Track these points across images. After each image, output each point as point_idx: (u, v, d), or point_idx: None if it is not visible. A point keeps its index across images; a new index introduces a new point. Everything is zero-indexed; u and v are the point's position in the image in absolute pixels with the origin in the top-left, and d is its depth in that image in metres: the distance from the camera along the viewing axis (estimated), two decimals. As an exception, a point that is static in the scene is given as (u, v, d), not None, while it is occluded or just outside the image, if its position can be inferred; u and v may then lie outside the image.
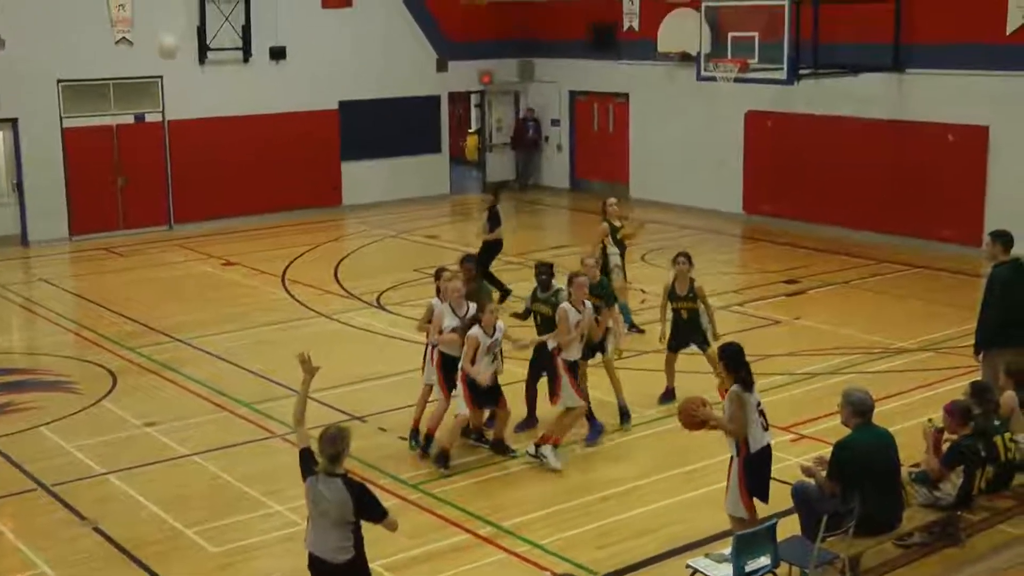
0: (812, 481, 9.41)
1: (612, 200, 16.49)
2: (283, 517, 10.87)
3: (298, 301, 18.93)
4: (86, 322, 17.92)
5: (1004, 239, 12.03)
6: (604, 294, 13.17)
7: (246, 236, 24.02)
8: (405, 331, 16.93)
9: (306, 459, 7.89)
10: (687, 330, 13.69)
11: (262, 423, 13.40)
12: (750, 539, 8.68)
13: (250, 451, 12.61)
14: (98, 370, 15.42)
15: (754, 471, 9.48)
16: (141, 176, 24.48)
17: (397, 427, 13.08)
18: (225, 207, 25.11)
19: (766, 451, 9.54)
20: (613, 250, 16.12)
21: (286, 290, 19.67)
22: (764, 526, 8.87)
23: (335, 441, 7.68)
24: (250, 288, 19.92)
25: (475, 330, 11.61)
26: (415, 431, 12.52)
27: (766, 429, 9.57)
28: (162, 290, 20.01)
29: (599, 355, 13.10)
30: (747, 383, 9.47)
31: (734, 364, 9.53)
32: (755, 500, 9.55)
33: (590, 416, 12.65)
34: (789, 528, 9.42)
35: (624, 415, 13.19)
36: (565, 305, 11.90)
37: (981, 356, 12.09)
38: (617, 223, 16.23)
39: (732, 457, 9.52)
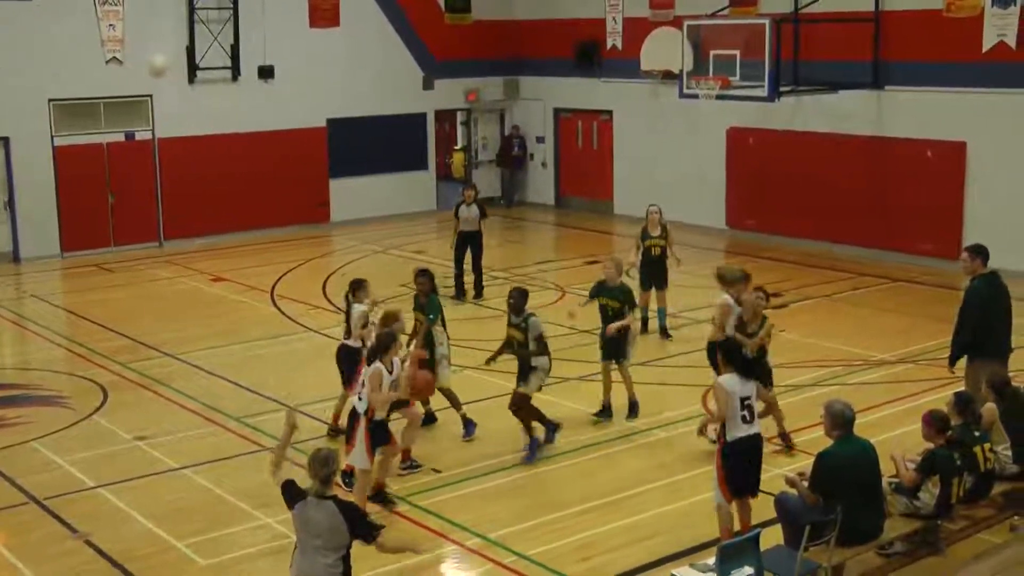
0: (795, 492, 9.59)
1: (654, 208, 17.16)
2: (273, 530, 11.00)
3: (287, 316, 19.09)
4: (77, 338, 18.06)
5: (982, 253, 12.25)
6: (625, 299, 13.55)
7: (235, 252, 24.17)
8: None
9: (289, 489, 7.79)
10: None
11: (252, 437, 13.54)
12: (734, 549, 8.81)
13: (240, 464, 12.74)
14: (89, 385, 15.56)
15: (728, 460, 9.93)
16: (131, 193, 24.65)
17: (385, 440, 13.23)
18: (215, 224, 25.27)
19: (742, 443, 9.92)
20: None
21: (275, 305, 19.82)
22: (747, 536, 9.00)
23: (328, 462, 7.67)
24: (239, 303, 20.08)
25: (377, 366, 10.99)
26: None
27: (748, 422, 9.93)
28: (152, 306, 20.15)
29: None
30: (743, 374, 10.00)
31: (728, 357, 10.13)
32: (741, 493, 10.05)
33: (546, 423, 12.82)
34: (772, 538, 9.55)
35: (632, 408, 13.80)
36: (376, 365, 11.01)
37: (966, 368, 12.26)
38: (652, 231, 16.98)
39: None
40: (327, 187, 27.15)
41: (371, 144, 27.43)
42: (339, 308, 19.29)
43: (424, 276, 13.68)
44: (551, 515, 11.26)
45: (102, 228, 24.43)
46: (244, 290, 20.98)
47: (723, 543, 8.92)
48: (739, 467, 9.98)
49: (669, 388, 15.01)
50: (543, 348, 12.69)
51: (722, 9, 23.55)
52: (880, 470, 9.53)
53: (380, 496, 11.43)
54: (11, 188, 23.54)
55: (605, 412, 13.84)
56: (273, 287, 21.03)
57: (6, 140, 23.39)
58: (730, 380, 9.97)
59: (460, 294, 19.61)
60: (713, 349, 11.42)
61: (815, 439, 12.03)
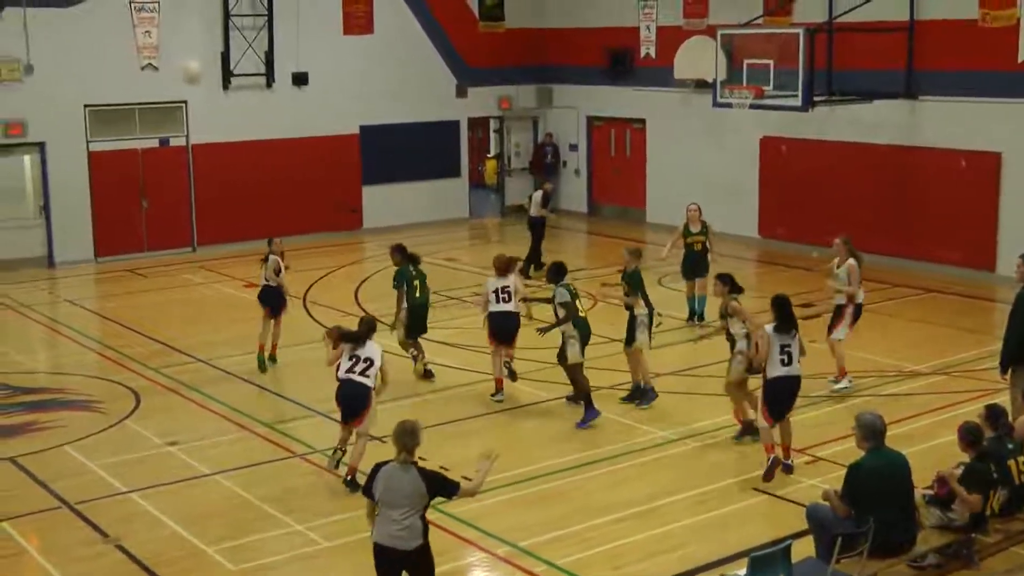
0: (827, 504, 9.54)
1: (693, 206, 18.70)
2: (302, 536, 11.04)
3: (319, 323, 19.11)
4: (110, 342, 18.17)
5: None
6: (633, 282, 14.81)
7: (267, 259, 24.25)
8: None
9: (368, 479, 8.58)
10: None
11: (282, 443, 13.58)
12: (765, 560, 8.77)
13: (270, 471, 12.79)
14: (122, 389, 15.65)
15: (768, 393, 12.14)
16: (165, 199, 24.83)
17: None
18: (247, 230, 25.31)
19: (780, 380, 12.03)
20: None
21: (307, 312, 19.88)
22: (779, 548, 8.95)
23: (414, 433, 8.47)
24: (271, 310, 20.11)
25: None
26: None
27: (787, 365, 12.02)
28: (185, 311, 20.27)
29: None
30: (782, 327, 12.06)
31: (776, 310, 12.21)
32: (780, 418, 12.14)
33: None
34: (804, 550, 9.49)
35: (646, 393, 14.50)
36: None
37: (1011, 375, 12.22)
38: (693, 228, 18.42)
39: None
40: (360, 194, 27.22)
41: (404, 151, 27.50)
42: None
43: (397, 250, 16.13)
44: (582, 524, 11.24)
45: (136, 233, 24.61)
46: (276, 296, 21.02)
47: (753, 555, 8.87)
48: (776, 399, 12.09)
49: (700, 398, 14.94)
50: (568, 315, 13.88)
51: (756, 18, 23.51)
52: (912, 482, 9.47)
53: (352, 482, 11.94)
54: (46, 193, 23.74)
55: (632, 395, 14.71)
56: (305, 293, 21.09)
57: (42, 145, 23.59)
58: (772, 332, 12.07)
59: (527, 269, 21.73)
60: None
61: (847, 450, 11.94)
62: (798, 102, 20.40)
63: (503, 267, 15.05)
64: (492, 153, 32.11)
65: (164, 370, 16.52)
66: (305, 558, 10.61)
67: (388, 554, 8.40)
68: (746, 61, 21.11)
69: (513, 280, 15.00)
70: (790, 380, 12.11)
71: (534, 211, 22.80)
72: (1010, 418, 10.53)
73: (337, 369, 12.15)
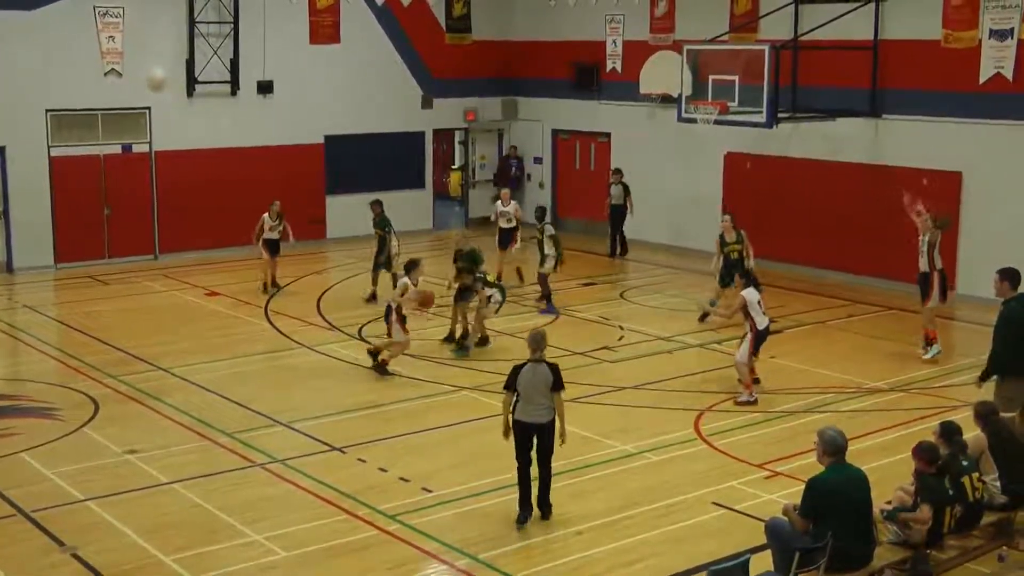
0: (787, 519, 9.59)
1: (727, 217, 19.66)
2: (262, 546, 10.97)
3: (281, 332, 19.07)
4: (69, 349, 18.02)
5: (1010, 275, 12.48)
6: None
7: (230, 267, 24.15)
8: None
9: (512, 371, 11.47)
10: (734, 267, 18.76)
11: (243, 453, 13.50)
12: (724, 574, 8.82)
13: (231, 480, 12.69)
14: (80, 397, 15.52)
15: (760, 338, 15.37)
16: (127, 205, 24.67)
17: (376, 458, 13.24)
18: (210, 238, 25.28)
19: (766, 329, 15.45)
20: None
21: (269, 321, 19.81)
22: (738, 562, 9.00)
23: (541, 340, 11.41)
24: (233, 319, 20.06)
25: (406, 280, 16.52)
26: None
27: (766, 314, 15.46)
28: (146, 319, 20.12)
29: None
30: (756, 287, 15.39)
31: (745, 279, 15.65)
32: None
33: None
34: (762, 564, 9.54)
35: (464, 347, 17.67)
36: (406, 279, 16.55)
37: (995, 385, 12.38)
38: (729, 238, 19.34)
39: (747, 332, 15.40)
40: (324, 203, 27.16)
41: (369, 162, 27.49)
42: (333, 325, 19.38)
43: (377, 204, 21.65)
44: (542, 536, 11.25)
45: (97, 240, 24.44)
46: (238, 305, 20.98)
47: (712, 568, 8.90)
48: (761, 340, 15.47)
49: (662, 411, 15.00)
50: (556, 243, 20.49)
51: (722, 34, 23.67)
52: (871, 498, 9.53)
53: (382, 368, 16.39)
54: (6, 198, 23.55)
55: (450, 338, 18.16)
56: (267, 302, 21.01)
57: (2, 149, 23.42)
58: (750, 292, 15.23)
59: (612, 253, 25.91)
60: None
61: (807, 465, 12.04)
62: (762, 118, 20.52)
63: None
64: (457, 165, 32.14)
65: (124, 378, 16.40)
66: (265, 568, 10.54)
67: (527, 428, 11.32)
68: (711, 77, 21.22)
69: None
70: (768, 326, 15.58)
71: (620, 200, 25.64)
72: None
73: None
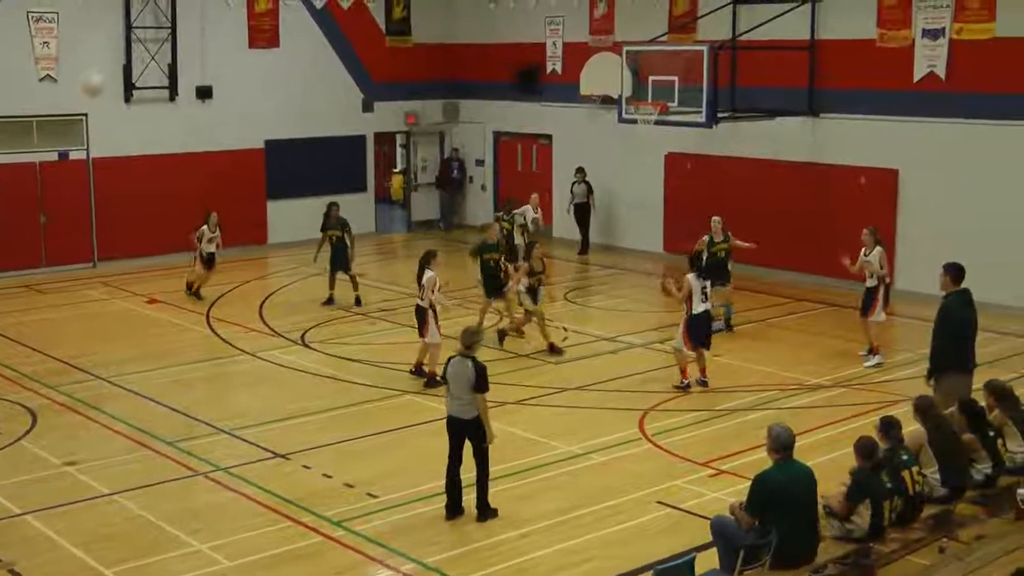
0: (732, 516, 9.64)
1: (717, 219, 19.24)
2: (206, 556, 10.86)
3: (222, 339, 18.91)
4: (6, 360, 17.70)
5: (953, 270, 12.64)
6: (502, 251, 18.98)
7: (170, 274, 23.88)
8: (330, 369, 17.05)
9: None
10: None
11: (185, 461, 13.36)
12: (670, 573, 8.83)
13: (172, 489, 12.56)
14: (17, 409, 15.26)
15: (691, 324, 15.70)
16: (64, 213, 24.33)
17: (320, 464, 13.15)
18: (150, 245, 25.00)
19: (700, 315, 15.70)
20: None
21: (210, 328, 19.63)
22: (683, 560, 9.02)
23: (473, 335, 11.68)
24: (174, 326, 19.85)
25: (432, 274, 15.99)
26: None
27: (704, 302, 15.74)
28: (85, 328, 19.87)
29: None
30: (700, 274, 15.84)
31: (693, 263, 16.08)
32: (697, 345, 15.80)
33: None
34: (708, 563, 9.56)
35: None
36: (432, 273, 16.00)
37: (932, 381, 12.54)
38: (717, 238, 19.06)
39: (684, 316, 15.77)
40: (264, 209, 26.97)
41: (310, 166, 27.33)
42: (275, 331, 19.24)
43: (335, 205, 21.51)
44: (488, 539, 11.23)
45: (33, 248, 24.08)
46: (179, 312, 20.76)
47: (658, 567, 8.93)
48: (695, 330, 15.73)
49: (605, 412, 15.04)
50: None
51: (661, 35, 23.79)
52: (817, 495, 9.59)
53: (420, 372, 16.21)
54: (-60, 207, 23.18)
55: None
56: (209, 309, 20.82)
57: (-64, 158, 23.05)
58: (693, 277, 15.67)
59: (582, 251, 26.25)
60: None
61: (751, 462, 12.13)
62: (702, 118, 20.65)
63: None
64: (398, 168, 32.06)
65: (62, 388, 16.17)
66: (207, 579, 10.45)
67: (453, 422, 11.53)
68: (651, 78, 21.31)
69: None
70: (707, 314, 15.96)
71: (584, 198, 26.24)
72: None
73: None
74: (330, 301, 20.95)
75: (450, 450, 11.61)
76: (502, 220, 21.99)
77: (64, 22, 23.95)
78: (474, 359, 11.44)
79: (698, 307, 15.68)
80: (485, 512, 11.57)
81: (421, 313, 16.01)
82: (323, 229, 21.42)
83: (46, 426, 14.62)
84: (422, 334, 16.10)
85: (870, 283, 17.21)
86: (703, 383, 15.92)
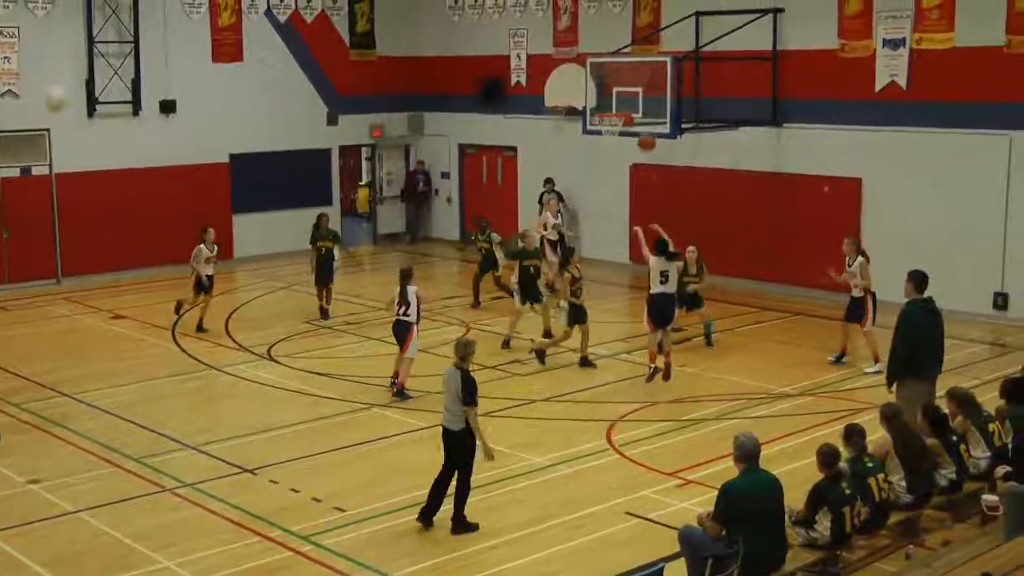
0: (699, 527, 9.67)
1: (692, 248, 18.99)
2: (173, 573, 10.80)
3: (188, 354, 18.81)
4: (-31, 378, 17.58)
5: (915, 278, 12.78)
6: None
7: (136, 289, 23.77)
8: (296, 383, 17.00)
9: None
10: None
11: (152, 478, 13.27)
12: (637, 583, 8.88)
13: (139, 506, 12.47)
14: (-19, 427, 15.14)
15: (649, 306, 16.39)
16: (27, 229, 24.11)
17: (288, 479, 13.10)
18: (114, 260, 24.83)
19: (657, 296, 16.27)
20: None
21: (176, 343, 19.52)
22: (651, 571, 9.06)
23: (466, 347, 11.66)
24: (139, 341, 19.73)
25: (415, 287, 16.25)
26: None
27: (662, 284, 16.19)
28: (49, 345, 19.71)
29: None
30: (662, 255, 16.25)
31: (657, 247, 16.37)
32: (659, 326, 16.29)
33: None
34: (676, 573, 9.58)
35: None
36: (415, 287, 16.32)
37: (894, 387, 12.66)
38: (691, 269, 18.78)
39: None
40: (230, 223, 26.86)
41: (275, 180, 27.25)
42: (241, 345, 19.16)
43: (325, 216, 21.30)
44: (456, 552, 11.21)
45: (-4, 265, 23.92)
46: (145, 328, 20.64)
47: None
48: (655, 310, 16.28)
49: (572, 423, 15.06)
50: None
51: (625, 47, 23.89)
52: (783, 503, 9.65)
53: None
54: (-99, 224, 22.94)
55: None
56: (175, 325, 20.70)
57: None
58: (654, 259, 16.20)
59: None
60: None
61: (719, 472, 12.17)
62: (666, 129, 20.74)
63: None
64: (364, 181, 32.01)
65: (26, 406, 16.02)
66: (175, 596, 10.39)
67: (445, 434, 11.58)
68: (615, 89, 21.39)
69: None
70: (666, 296, 16.27)
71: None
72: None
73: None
74: (325, 315, 20.86)
75: (444, 459, 11.70)
76: (479, 240, 21.97)
77: (25, 37, 23.77)
78: (464, 371, 11.48)
79: (655, 287, 16.16)
80: (459, 526, 11.54)
81: (406, 328, 15.95)
82: (313, 241, 21.02)
83: (10, 444, 14.45)
84: (404, 349, 16.01)
85: (856, 293, 17.37)
86: (663, 369, 16.26)
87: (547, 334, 18.89)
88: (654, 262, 16.19)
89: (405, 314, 15.95)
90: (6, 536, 11.66)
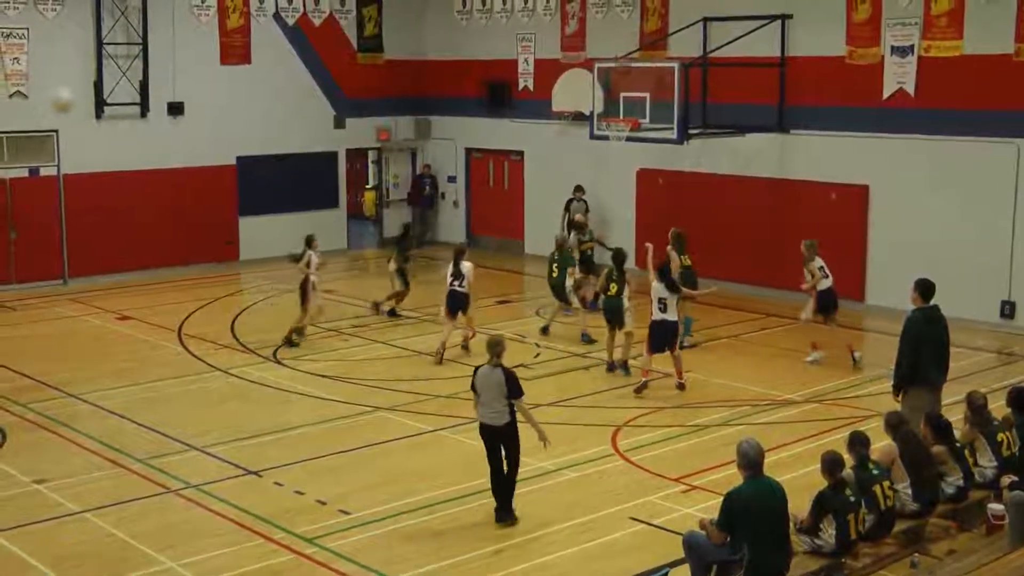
0: (704, 532, 9.67)
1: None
2: (176, 574, 10.81)
3: (194, 355, 18.83)
4: (-25, 378, 17.61)
5: (921, 287, 12.76)
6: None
7: (142, 291, 23.81)
8: (302, 385, 17.01)
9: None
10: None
11: (157, 479, 13.29)
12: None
13: (144, 507, 12.48)
14: (-13, 427, 15.17)
15: (651, 332, 16.56)
16: (35, 230, 24.16)
17: (292, 481, 13.11)
18: (121, 262, 24.87)
19: (656, 323, 16.46)
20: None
21: (182, 344, 19.55)
22: (655, 576, 9.07)
23: (498, 345, 11.87)
24: (145, 343, 19.75)
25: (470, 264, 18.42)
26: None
27: (662, 312, 16.40)
28: (56, 345, 19.74)
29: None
30: (660, 283, 16.42)
31: (659, 274, 16.59)
32: (658, 351, 16.49)
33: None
34: (680, 578, 9.64)
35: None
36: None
37: (900, 396, 12.63)
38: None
39: None
40: (237, 225, 26.90)
41: (281, 182, 27.29)
42: (246, 347, 19.17)
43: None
44: (461, 556, 11.20)
45: (3, 265, 23.90)
46: (151, 329, 20.66)
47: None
48: (655, 339, 16.50)
49: (578, 428, 15.06)
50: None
51: (632, 52, 23.89)
52: (788, 510, 9.63)
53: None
54: (-91, 224, 22.99)
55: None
56: (180, 326, 20.73)
57: (-96, 174, 22.87)
58: (655, 284, 16.41)
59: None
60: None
61: (724, 478, 12.17)
62: (673, 135, 20.74)
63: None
64: (370, 184, 32.03)
65: (32, 406, 16.04)
66: (179, 597, 10.40)
67: (487, 429, 11.81)
68: (623, 94, 21.39)
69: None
70: (662, 323, 16.48)
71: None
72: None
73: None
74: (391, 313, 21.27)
75: (488, 457, 11.93)
76: (583, 242, 22.28)
77: (34, 38, 23.83)
78: (503, 367, 11.76)
79: (655, 314, 16.50)
80: (504, 516, 11.86)
81: (462, 297, 18.26)
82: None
83: (16, 444, 14.50)
84: (464, 312, 18.38)
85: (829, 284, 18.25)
86: (679, 386, 16.58)
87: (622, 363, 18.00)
88: (655, 287, 16.50)
89: (460, 286, 18.20)
90: (11, 536, 11.67)
